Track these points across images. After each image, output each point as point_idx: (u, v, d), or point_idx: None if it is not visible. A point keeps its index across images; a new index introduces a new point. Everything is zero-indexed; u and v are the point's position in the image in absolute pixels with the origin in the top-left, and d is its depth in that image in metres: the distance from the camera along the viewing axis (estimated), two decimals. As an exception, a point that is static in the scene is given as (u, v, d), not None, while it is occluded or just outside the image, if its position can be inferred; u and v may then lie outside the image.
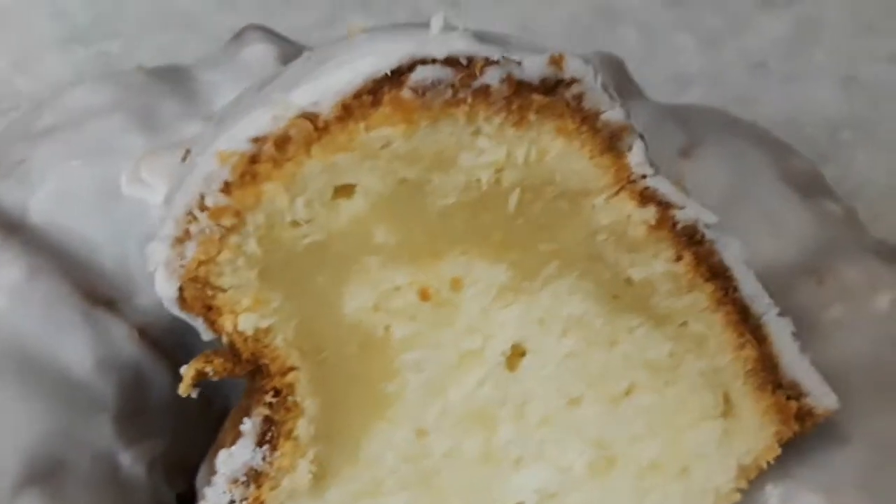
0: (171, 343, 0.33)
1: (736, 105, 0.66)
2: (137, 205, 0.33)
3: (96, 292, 0.32)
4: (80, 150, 0.34)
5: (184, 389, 0.27)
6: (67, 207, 0.33)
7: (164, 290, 0.26)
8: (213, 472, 0.29)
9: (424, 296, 0.28)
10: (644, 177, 0.27)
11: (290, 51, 0.39)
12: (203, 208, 0.25)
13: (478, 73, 0.25)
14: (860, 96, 0.66)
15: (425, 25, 0.26)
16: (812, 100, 0.66)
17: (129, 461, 0.31)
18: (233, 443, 0.28)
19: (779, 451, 0.29)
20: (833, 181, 0.67)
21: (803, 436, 0.29)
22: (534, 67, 0.26)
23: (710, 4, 0.66)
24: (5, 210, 0.33)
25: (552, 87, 0.26)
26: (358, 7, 0.65)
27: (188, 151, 0.30)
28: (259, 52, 0.38)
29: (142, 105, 0.36)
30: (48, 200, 0.33)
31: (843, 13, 0.66)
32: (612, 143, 0.26)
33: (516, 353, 0.28)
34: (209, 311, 0.26)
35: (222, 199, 0.25)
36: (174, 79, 0.38)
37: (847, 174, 0.68)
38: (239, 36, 0.41)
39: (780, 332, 0.28)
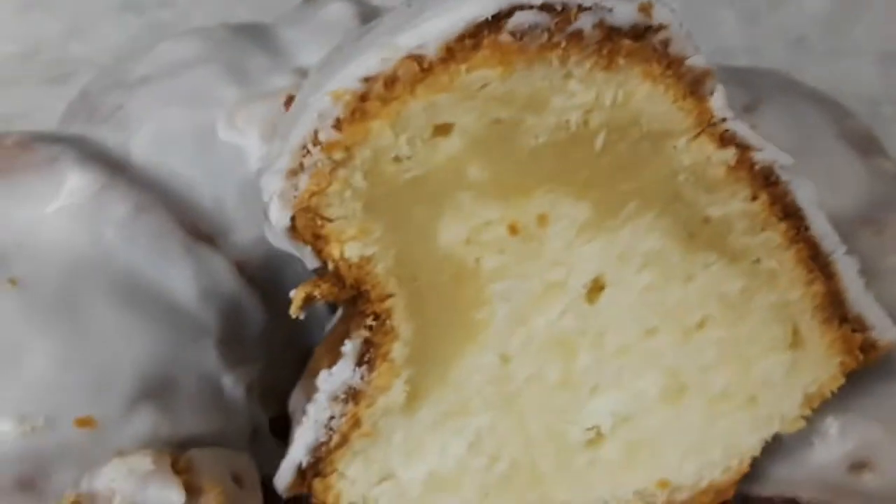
0: (264, 278, 0.35)
1: (776, 79, 0.67)
2: (232, 150, 0.35)
3: (197, 228, 0.34)
4: (177, 97, 0.36)
5: (294, 310, 0.29)
6: (167, 150, 0.35)
7: (277, 219, 0.28)
8: (308, 394, 0.32)
9: (513, 230, 0.29)
10: (724, 120, 0.28)
11: (366, 9, 0.41)
12: (316, 142, 0.27)
13: (572, 19, 0.27)
14: (899, 72, 0.67)
15: (522, -26, 0.28)
16: (852, 75, 0.67)
17: (231, 383, 0.33)
18: (332, 364, 0.30)
19: (843, 380, 0.30)
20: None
21: (866, 367, 0.31)
22: (624, 13, 0.27)
23: (750, -21, 0.67)
24: (108, 151, 0.36)
25: (641, 32, 0.28)
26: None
27: (290, 98, 0.32)
28: (337, 11, 0.40)
29: (231, 58, 0.38)
30: (149, 143, 0.36)
31: (882, -11, 0.67)
32: (695, 87, 0.28)
33: (597, 286, 0.30)
34: (317, 240, 0.28)
35: (334, 135, 0.27)
36: (258, 35, 0.40)
37: (888, 147, 0.69)
38: (313, -4, 0.42)
39: (847, 269, 0.30)
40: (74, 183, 0.33)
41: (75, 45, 0.65)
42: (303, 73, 0.38)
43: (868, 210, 0.37)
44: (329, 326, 0.34)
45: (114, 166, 0.35)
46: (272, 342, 0.36)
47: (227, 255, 0.35)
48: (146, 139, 0.36)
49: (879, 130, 0.68)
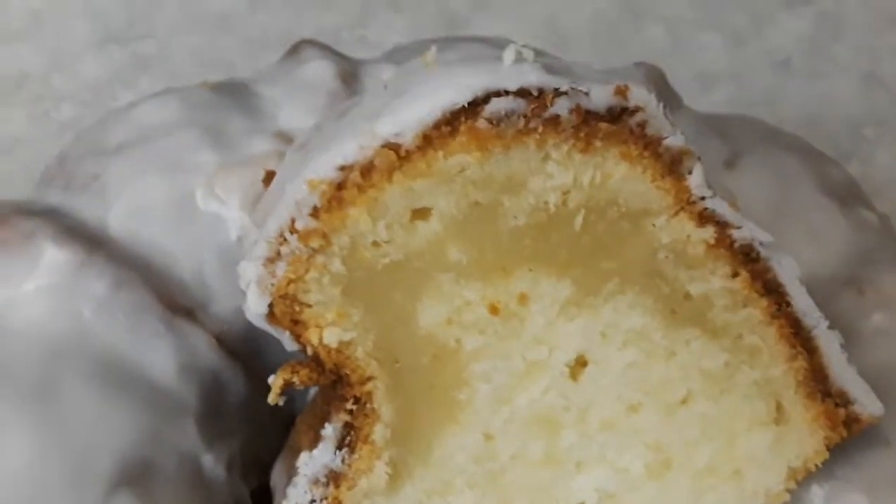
0: (244, 349, 0.35)
1: (760, 103, 0.67)
2: (212, 218, 0.35)
3: (176, 302, 0.34)
4: (154, 165, 0.36)
5: (273, 398, 0.29)
6: (145, 221, 0.35)
7: (255, 306, 0.28)
8: (288, 471, 0.31)
9: (494, 310, 0.29)
10: (703, 198, 0.28)
11: (346, 67, 0.41)
12: (293, 231, 0.27)
13: (548, 104, 0.27)
14: (882, 93, 0.67)
15: (497, 58, 0.28)
16: (835, 97, 0.67)
17: (212, 461, 0.33)
18: (312, 446, 0.30)
19: (827, 455, 0.30)
20: (856, 178, 0.68)
21: (850, 440, 0.31)
22: (600, 97, 0.27)
23: (734, 2, 0.67)
24: (85, 224, 0.35)
25: (617, 115, 0.28)
26: (387, 6, 0.66)
27: (270, 173, 0.32)
28: (319, 70, 0.40)
29: (210, 121, 0.38)
30: (126, 215, 0.35)
31: (865, 9, 0.67)
32: (672, 166, 0.28)
33: (579, 364, 0.30)
34: (296, 326, 0.28)
35: (311, 223, 0.27)
36: (237, 94, 0.40)
37: (870, 171, 0.69)
38: (295, 51, 0.42)
39: (829, 343, 0.30)
40: (51, 260, 0.33)
41: (58, 77, 0.64)
42: (283, 135, 0.38)
43: (850, 268, 0.37)
44: (312, 393, 0.34)
45: (91, 241, 0.34)
46: (254, 412, 0.35)
47: (206, 327, 0.34)
48: (124, 211, 0.35)
49: (861, 152, 0.68)
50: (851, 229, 0.39)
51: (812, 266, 0.37)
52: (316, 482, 0.30)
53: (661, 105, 0.28)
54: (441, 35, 0.63)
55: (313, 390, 0.34)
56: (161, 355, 0.33)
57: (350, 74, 0.40)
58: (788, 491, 0.31)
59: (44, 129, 0.66)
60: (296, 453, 0.31)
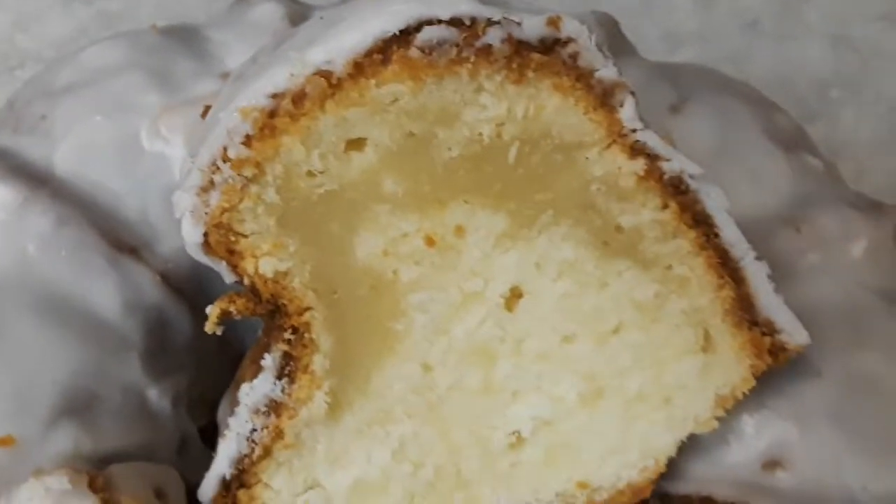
0: (190, 287, 0.35)
1: (728, 64, 0.67)
2: (157, 158, 0.35)
3: (121, 240, 0.34)
4: (101, 106, 0.36)
5: (209, 327, 0.29)
6: (91, 161, 0.35)
7: (190, 235, 0.28)
8: (234, 405, 0.32)
9: (430, 242, 0.30)
10: (634, 131, 0.29)
11: (296, 10, 0.41)
12: (226, 159, 0.27)
13: (480, 33, 0.27)
14: (849, 55, 0.68)
15: (430, -13, 0.28)
16: (803, 59, 0.68)
17: (156, 395, 0.33)
18: (253, 377, 0.31)
19: (754, 382, 0.31)
20: (821, 138, 0.69)
21: (778, 369, 0.31)
22: (533, 28, 0.27)
23: (705, -37, 0.67)
24: (31, 163, 0.35)
25: (550, 46, 0.28)
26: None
27: (207, 108, 0.32)
28: (267, 12, 0.40)
29: (157, 64, 0.38)
30: (72, 154, 0.35)
31: (836, -28, 0.67)
32: (605, 99, 0.28)
33: (514, 295, 0.31)
34: (232, 256, 0.29)
35: (244, 151, 0.27)
36: (186, 38, 0.40)
37: (835, 131, 0.70)
38: (245, -5, 0.42)
39: (756, 274, 0.30)
40: (-5, 197, 0.33)
41: (22, 36, 0.64)
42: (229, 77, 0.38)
43: (790, 208, 0.38)
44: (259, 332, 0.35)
45: (36, 179, 0.34)
46: (201, 351, 0.36)
47: (151, 265, 0.35)
48: (70, 150, 0.35)
49: (828, 113, 0.69)
50: (794, 173, 0.39)
51: (753, 206, 0.38)
52: (257, 412, 0.30)
53: (594, 37, 0.28)
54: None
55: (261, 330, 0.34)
56: (105, 292, 0.33)
57: (300, 17, 0.40)
58: (717, 419, 0.32)
59: (8, 88, 0.65)
60: (240, 387, 0.31)
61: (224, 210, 0.28)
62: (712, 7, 0.67)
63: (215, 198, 0.28)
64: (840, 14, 0.68)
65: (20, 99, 0.39)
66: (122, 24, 0.64)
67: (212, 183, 0.28)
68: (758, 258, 0.30)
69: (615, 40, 0.44)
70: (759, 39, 0.68)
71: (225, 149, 0.27)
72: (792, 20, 0.68)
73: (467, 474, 0.32)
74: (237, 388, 0.32)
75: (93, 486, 0.28)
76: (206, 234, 0.28)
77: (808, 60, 0.68)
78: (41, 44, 0.63)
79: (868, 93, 0.68)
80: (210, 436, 0.36)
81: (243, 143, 0.27)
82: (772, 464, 0.32)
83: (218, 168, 0.27)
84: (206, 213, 0.28)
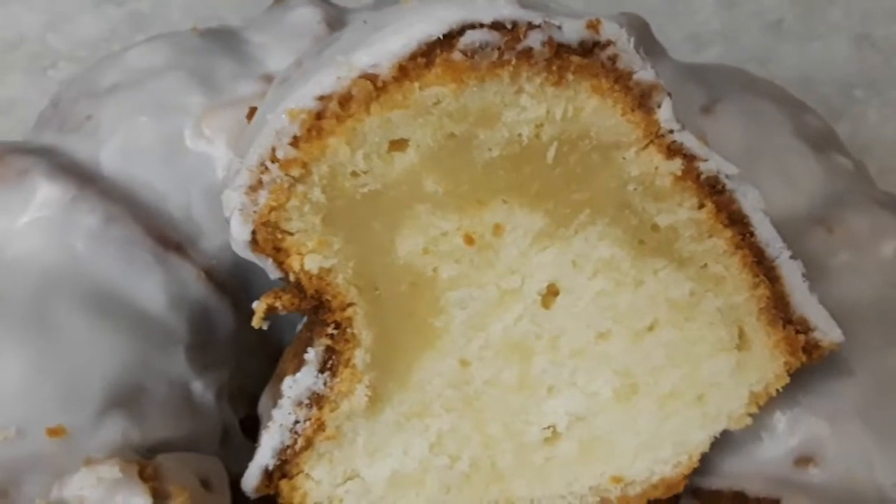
0: (232, 283, 0.36)
1: (752, 63, 0.68)
2: (200, 158, 0.36)
3: (166, 237, 0.35)
4: (145, 106, 0.37)
5: (256, 322, 0.30)
6: (136, 160, 0.36)
7: (238, 233, 0.29)
8: (274, 398, 0.33)
9: (469, 240, 0.30)
10: (671, 132, 0.29)
11: (332, 13, 0.41)
12: (274, 160, 0.28)
13: (522, 37, 0.28)
14: (873, 55, 0.68)
15: (473, -7, 0.28)
16: (826, 58, 0.68)
17: (201, 388, 0.34)
18: (296, 370, 0.32)
19: (787, 380, 0.32)
20: (845, 137, 0.69)
21: (811, 367, 0.32)
22: (573, 31, 0.28)
23: (729, -37, 0.67)
24: (79, 162, 0.36)
25: (589, 49, 0.28)
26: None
27: (253, 110, 0.33)
28: (305, 15, 0.41)
29: (199, 65, 0.39)
30: (118, 153, 0.36)
31: (859, -29, 0.67)
32: (642, 100, 0.29)
33: (551, 292, 0.31)
34: (278, 253, 0.29)
35: (291, 152, 0.28)
36: (226, 40, 0.41)
37: (858, 130, 0.70)
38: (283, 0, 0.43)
39: (791, 273, 0.31)
40: (45, 195, 0.34)
41: (54, 37, 0.65)
42: (269, 78, 0.39)
43: (821, 208, 0.38)
44: (299, 326, 0.35)
45: (84, 177, 0.36)
46: (242, 345, 0.37)
47: (195, 262, 0.36)
48: (115, 149, 0.36)
49: (852, 112, 0.69)
50: (824, 172, 0.40)
51: (785, 206, 0.38)
52: (300, 404, 0.31)
53: (632, 40, 0.29)
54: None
55: (299, 326, 0.35)
56: (151, 287, 0.34)
57: (336, 20, 0.41)
58: (750, 415, 0.32)
59: (41, 88, 0.66)
60: (282, 380, 0.32)
61: (272, 209, 0.29)
62: (736, 7, 0.68)
63: (263, 197, 0.28)
64: (864, 14, 0.68)
65: (64, 98, 0.40)
66: (152, 25, 0.65)
67: (260, 182, 0.28)
68: (792, 257, 0.31)
69: (646, 41, 0.45)
70: (782, 39, 0.68)
71: (273, 149, 0.28)
72: (816, 20, 0.68)
73: (502, 467, 0.33)
74: (279, 381, 0.33)
75: (142, 475, 0.29)
76: (254, 232, 0.29)
77: (832, 60, 0.68)
78: (73, 44, 0.65)
79: (891, 92, 0.68)
80: (249, 427, 0.37)
81: (291, 144, 0.28)
82: (804, 460, 0.32)
83: (266, 168, 0.28)
84: (254, 212, 0.29)
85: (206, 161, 0.36)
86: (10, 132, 0.66)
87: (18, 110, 0.65)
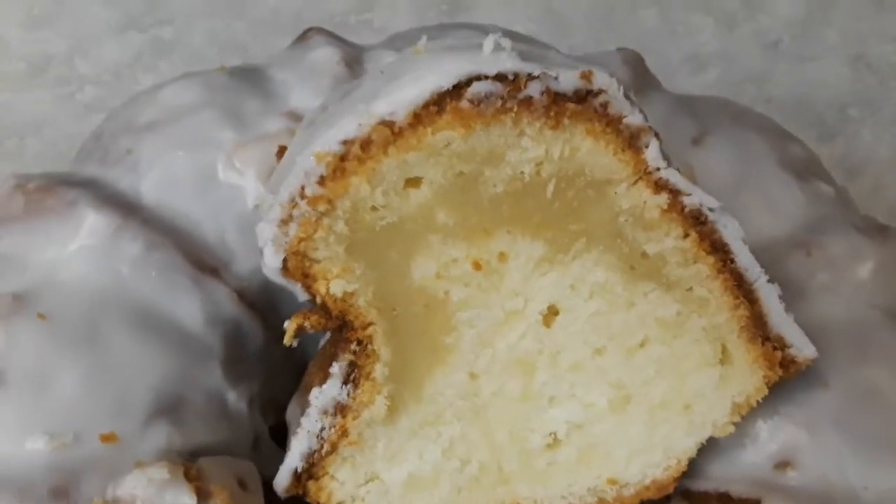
0: (262, 303, 0.40)
1: (750, 84, 0.70)
2: (232, 189, 0.40)
3: (202, 262, 0.39)
4: (181, 142, 0.40)
5: (287, 340, 0.33)
6: (174, 191, 0.40)
7: (271, 261, 0.32)
8: (301, 407, 0.36)
9: (477, 266, 0.34)
10: (658, 169, 0.33)
11: (350, 53, 0.45)
12: (303, 196, 0.31)
13: (522, 87, 0.31)
14: (868, 75, 0.70)
15: (478, 46, 0.32)
16: (822, 78, 0.70)
17: (235, 398, 0.37)
18: (322, 382, 0.35)
19: (767, 392, 0.35)
20: (840, 155, 0.72)
21: (788, 380, 0.35)
22: (568, 81, 0.31)
23: (726, -15, 0.70)
24: (121, 193, 0.40)
25: (583, 96, 0.32)
26: (388, -7, 0.69)
27: (282, 149, 0.37)
28: (325, 55, 0.44)
29: (228, 102, 0.42)
30: (157, 185, 0.40)
31: (854, -7, 0.70)
32: (632, 141, 0.32)
33: (551, 313, 0.35)
34: (306, 278, 0.33)
35: (318, 190, 0.31)
36: (252, 78, 0.44)
37: (853, 149, 0.72)
38: (304, 38, 0.46)
39: (768, 295, 0.34)
40: (92, 224, 0.38)
41: (80, 61, 0.67)
42: (293, 115, 0.42)
43: (801, 233, 0.41)
44: (322, 342, 0.39)
45: (127, 208, 0.39)
46: (271, 359, 0.40)
47: (228, 283, 0.39)
48: (154, 182, 0.40)
49: (847, 132, 0.72)
50: (807, 200, 0.43)
51: (768, 231, 0.41)
52: (325, 412, 0.35)
53: (622, 88, 0.32)
54: (444, 17, 0.66)
55: (322, 342, 0.39)
56: (190, 307, 0.37)
57: (354, 60, 0.44)
58: (734, 424, 0.35)
59: (68, 110, 0.70)
60: (308, 391, 0.36)
61: (301, 240, 0.32)
62: (734, 28, 0.70)
63: (293, 229, 0.32)
64: (859, 35, 0.70)
65: (105, 132, 0.44)
66: (175, 51, 0.68)
67: (290, 216, 0.32)
68: (770, 281, 0.34)
69: (640, 76, 0.48)
70: (780, 60, 0.70)
71: (302, 188, 0.31)
72: (812, 41, 0.70)
73: (508, 471, 0.36)
74: (306, 392, 0.36)
75: (187, 476, 0.32)
76: (285, 260, 0.32)
77: (828, 80, 0.70)
78: (98, 68, 0.67)
79: (886, 112, 0.70)
80: (277, 434, 0.40)
81: (318, 183, 0.31)
82: (783, 464, 0.35)
83: (296, 204, 0.32)
84: (285, 242, 0.32)
85: (238, 192, 0.40)
86: (40, 154, 0.69)
87: (47, 132, 0.68)
